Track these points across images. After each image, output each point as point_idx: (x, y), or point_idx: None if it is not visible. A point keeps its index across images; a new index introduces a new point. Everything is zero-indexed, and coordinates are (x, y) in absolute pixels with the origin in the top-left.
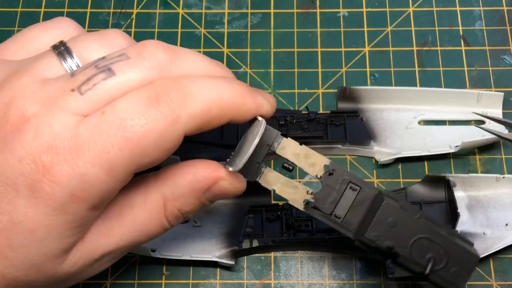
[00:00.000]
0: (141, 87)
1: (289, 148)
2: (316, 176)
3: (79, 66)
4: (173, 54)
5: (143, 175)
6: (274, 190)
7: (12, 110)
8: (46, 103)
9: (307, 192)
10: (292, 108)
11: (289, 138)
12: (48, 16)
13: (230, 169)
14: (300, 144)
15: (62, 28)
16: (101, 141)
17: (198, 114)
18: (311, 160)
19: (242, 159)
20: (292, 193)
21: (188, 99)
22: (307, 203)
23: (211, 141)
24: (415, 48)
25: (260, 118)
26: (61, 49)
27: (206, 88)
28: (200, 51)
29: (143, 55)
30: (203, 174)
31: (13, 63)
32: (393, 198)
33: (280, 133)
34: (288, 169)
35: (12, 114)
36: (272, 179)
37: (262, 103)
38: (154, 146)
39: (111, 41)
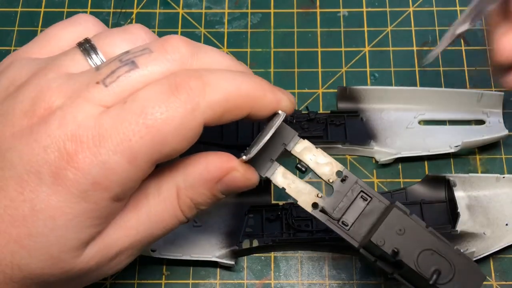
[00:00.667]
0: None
1: (304, 149)
2: (328, 181)
3: (103, 61)
4: (195, 49)
5: (159, 167)
6: (284, 189)
7: (39, 103)
8: (71, 96)
9: (317, 195)
10: None
11: (306, 140)
12: (48, 16)
13: (244, 157)
14: (316, 147)
15: (83, 25)
16: (123, 129)
17: (216, 103)
18: (325, 164)
19: (256, 148)
20: (302, 194)
21: (207, 88)
22: (315, 206)
23: (211, 141)
24: (415, 48)
25: (280, 112)
26: (86, 46)
27: (225, 79)
28: None
29: (166, 49)
30: (215, 165)
31: (39, 60)
32: (404, 209)
33: (298, 134)
34: (301, 170)
35: (39, 107)
36: (283, 178)
37: (281, 98)
38: (175, 134)
39: (134, 35)
